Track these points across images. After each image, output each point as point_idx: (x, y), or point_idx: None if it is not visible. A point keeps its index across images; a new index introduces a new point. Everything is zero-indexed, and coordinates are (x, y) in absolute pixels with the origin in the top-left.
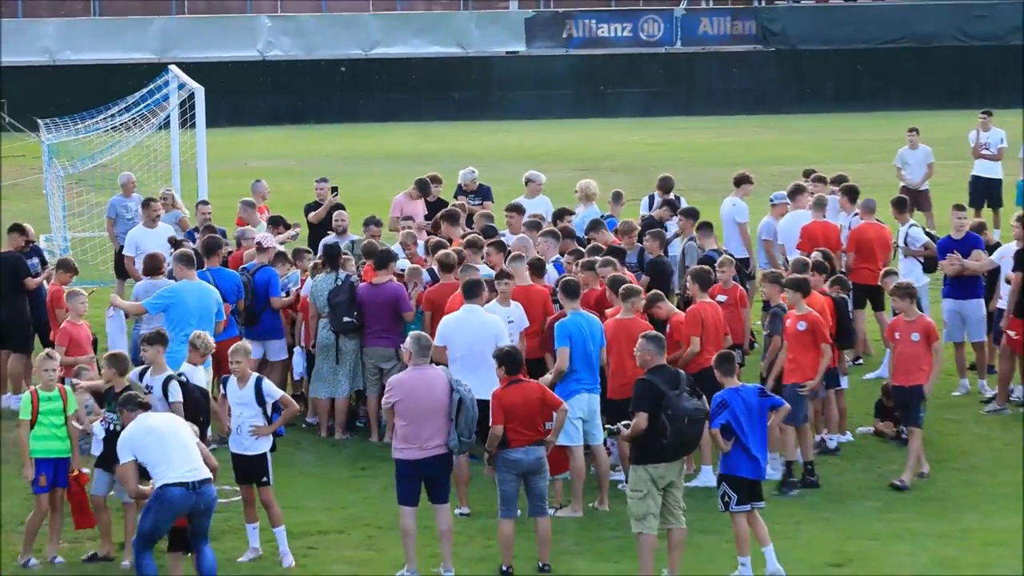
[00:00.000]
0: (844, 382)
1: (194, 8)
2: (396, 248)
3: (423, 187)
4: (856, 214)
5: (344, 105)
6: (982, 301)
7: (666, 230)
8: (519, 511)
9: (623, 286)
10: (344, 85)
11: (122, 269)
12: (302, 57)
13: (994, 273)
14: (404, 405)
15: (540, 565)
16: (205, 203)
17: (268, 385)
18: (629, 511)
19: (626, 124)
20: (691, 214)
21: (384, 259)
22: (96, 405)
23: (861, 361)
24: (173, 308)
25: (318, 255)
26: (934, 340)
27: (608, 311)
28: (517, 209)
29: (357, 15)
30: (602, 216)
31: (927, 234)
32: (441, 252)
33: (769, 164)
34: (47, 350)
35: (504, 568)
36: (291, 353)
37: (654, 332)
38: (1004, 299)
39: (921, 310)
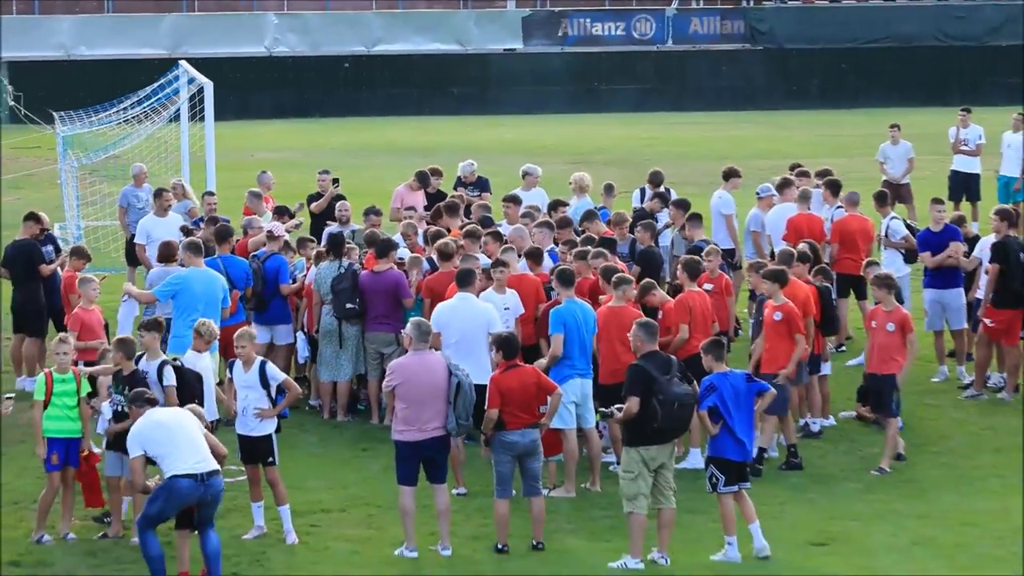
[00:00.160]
0: (827, 368)
1: (204, 6)
2: (397, 238)
3: (423, 179)
4: (839, 207)
5: (347, 100)
6: (962, 291)
7: (657, 221)
8: (514, 491)
9: (615, 275)
10: (347, 80)
11: (133, 257)
12: (307, 53)
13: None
14: (404, 388)
15: (534, 543)
16: (211, 194)
17: (272, 368)
18: (621, 491)
19: (619, 119)
20: (682, 205)
21: (385, 248)
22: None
23: (844, 348)
24: (181, 295)
25: (322, 244)
26: (909, 331)
27: (602, 298)
28: (514, 200)
29: (360, 13)
30: (596, 208)
31: (908, 226)
32: (440, 241)
33: (756, 158)
34: (61, 334)
35: (499, 546)
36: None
37: (646, 319)
38: (983, 289)
39: (903, 299)
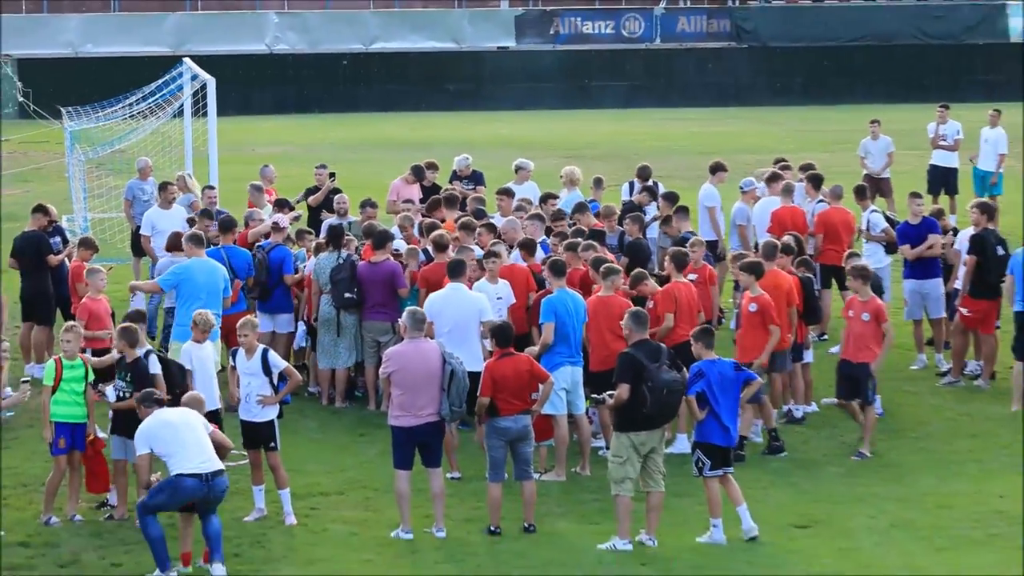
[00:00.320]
0: (809, 356)
1: (206, 5)
2: (394, 229)
3: (418, 172)
4: (821, 200)
5: (346, 96)
6: (940, 280)
7: (645, 214)
8: (506, 475)
9: (603, 265)
10: (346, 77)
11: (138, 247)
12: (307, 51)
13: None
14: (400, 375)
15: (525, 525)
16: (211, 187)
17: (274, 356)
18: (609, 474)
19: (609, 115)
20: (670, 198)
21: (382, 239)
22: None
23: (826, 336)
24: (184, 284)
25: (321, 235)
26: (883, 321)
27: (594, 288)
28: (507, 193)
29: (358, 12)
30: (587, 200)
31: (887, 219)
32: (436, 233)
33: (742, 153)
34: (69, 322)
35: (492, 528)
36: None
37: (636, 309)
38: (961, 280)
39: (883, 290)
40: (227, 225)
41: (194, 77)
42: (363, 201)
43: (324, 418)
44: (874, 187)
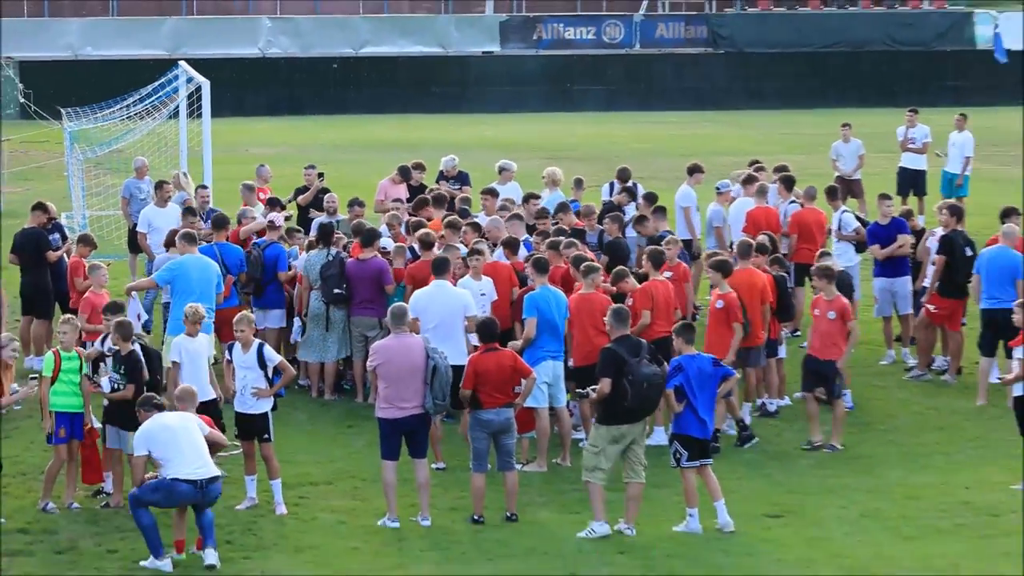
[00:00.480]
0: (783, 351)
1: (202, 10)
2: (381, 228)
3: (405, 172)
4: (793, 201)
5: (336, 98)
6: (909, 278)
7: (624, 214)
8: (489, 466)
9: (584, 264)
10: (336, 80)
11: (135, 244)
12: (298, 55)
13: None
14: (384, 368)
15: (508, 515)
16: (204, 187)
17: (269, 351)
18: (583, 461)
19: (590, 118)
20: (650, 199)
21: (370, 237)
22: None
23: (799, 333)
24: (177, 280)
25: (311, 233)
26: (848, 319)
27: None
28: (492, 193)
29: (348, 17)
30: (568, 200)
31: (858, 219)
32: (422, 231)
33: (718, 155)
34: (66, 315)
35: (475, 517)
36: (291, 322)
37: (618, 306)
38: (929, 278)
39: (854, 287)
40: (220, 223)
41: (189, 79)
42: (351, 200)
43: (314, 410)
44: (845, 188)
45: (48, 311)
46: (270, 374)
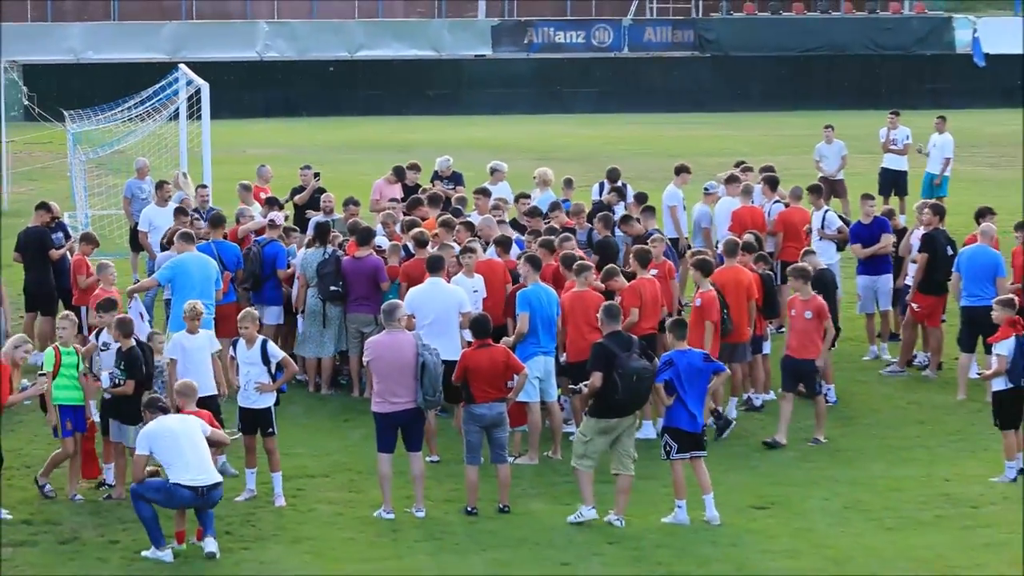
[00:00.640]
0: (767, 347)
1: (201, 14)
2: (377, 227)
3: (399, 173)
4: (776, 200)
5: (332, 100)
6: (891, 276)
7: (614, 213)
8: (482, 459)
9: (576, 263)
10: (332, 83)
11: (136, 243)
12: (295, 58)
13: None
14: (376, 364)
15: (500, 506)
16: (204, 186)
17: (272, 347)
18: (573, 448)
19: (579, 120)
20: (640, 199)
21: (366, 236)
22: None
23: (784, 329)
24: (178, 278)
25: (308, 232)
26: (824, 318)
27: (567, 283)
28: (484, 193)
29: (344, 21)
30: (560, 200)
31: (841, 218)
32: (416, 230)
33: (705, 156)
34: (64, 312)
35: (469, 508)
36: (295, 319)
37: (610, 303)
38: (911, 276)
39: (836, 285)
40: (216, 221)
41: (189, 82)
42: (347, 199)
43: (310, 404)
44: (829, 189)
45: (52, 308)
46: (273, 370)
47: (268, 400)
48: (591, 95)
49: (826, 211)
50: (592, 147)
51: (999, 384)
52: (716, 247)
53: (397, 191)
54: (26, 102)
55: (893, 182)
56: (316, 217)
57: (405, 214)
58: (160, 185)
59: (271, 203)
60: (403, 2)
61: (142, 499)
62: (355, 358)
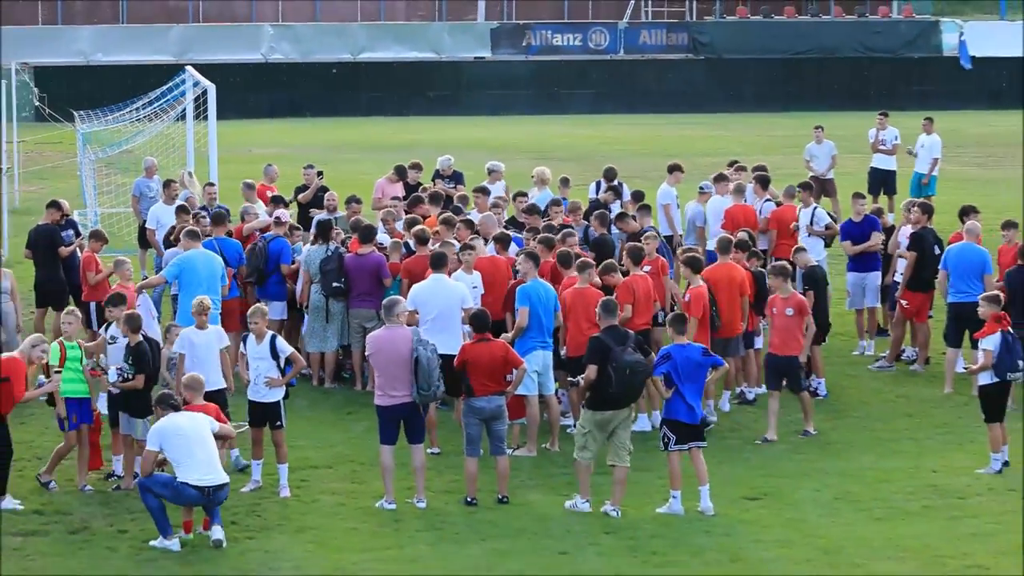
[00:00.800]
0: (759, 342)
1: (207, 17)
2: (378, 224)
3: (401, 172)
4: (767, 199)
5: (335, 101)
6: (879, 273)
7: (610, 212)
8: (482, 451)
9: (578, 260)
10: (335, 84)
11: (144, 240)
12: (299, 60)
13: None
14: (375, 358)
15: (499, 497)
16: (212, 184)
17: (281, 342)
18: (575, 440)
19: (576, 120)
20: (637, 197)
21: (368, 233)
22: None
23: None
24: (185, 274)
25: (312, 230)
26: (806, 315)
27: (565, 279)
28: (483, 191)
29: (347, 24)
30: (559, 199)
31: (830, 216)
32: (417, 228)
33: (698, 155)
34: (70, 307)
35: (468, 499)
36: (299, 314)
37: (607, 298)
38: (899, 273)
39: (827, 281)
40: (219, 219)
41: (196, 83)
42: (349, 197)
43: (314, 397)
44: (819, 188)
45: (62, 303)
46: (282, 364)
47: (277, 394)
48: (588, 96)
49: (815, 208)
50: (589, 147)
51: (985, 378)
52: (708, 244)
53: (399, 190)
54: (37, 103)
55: (882, 181)
56: (319, 215)
57: (406, 212)
58: (167, 184)
59: (276, 201)
60: (404, 4)
61: (150, 492)
62: (357, 352)
